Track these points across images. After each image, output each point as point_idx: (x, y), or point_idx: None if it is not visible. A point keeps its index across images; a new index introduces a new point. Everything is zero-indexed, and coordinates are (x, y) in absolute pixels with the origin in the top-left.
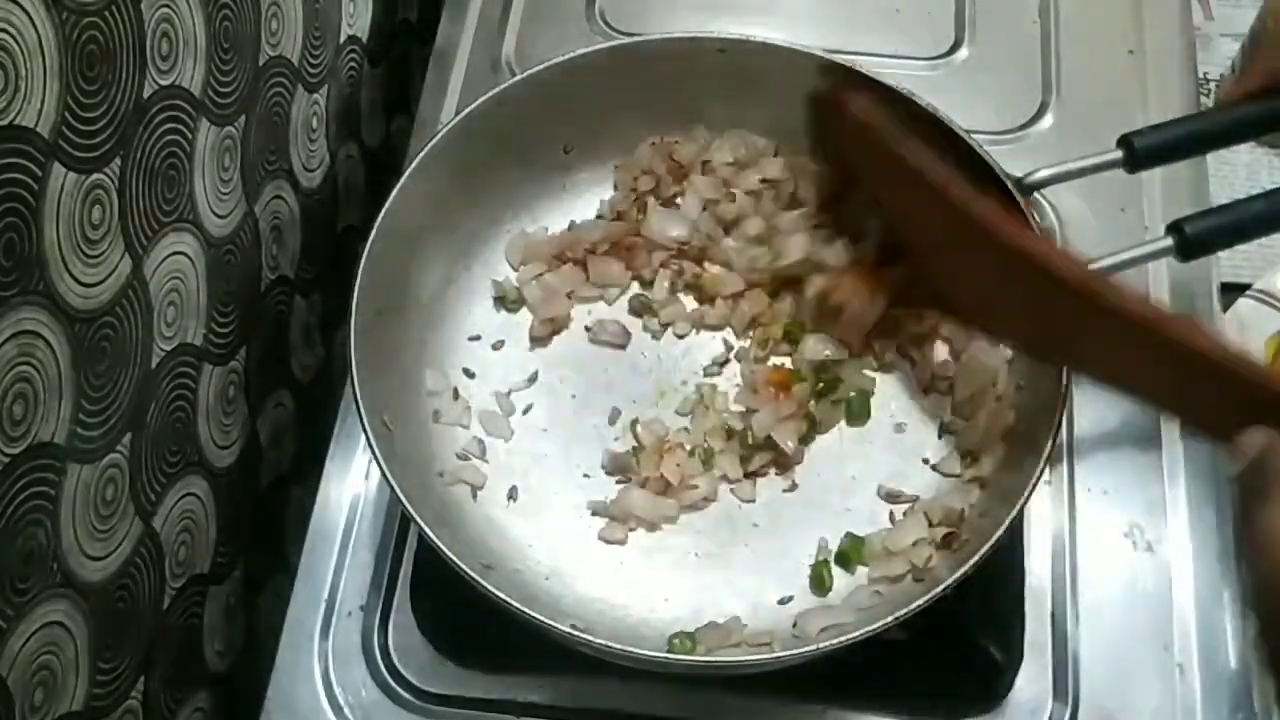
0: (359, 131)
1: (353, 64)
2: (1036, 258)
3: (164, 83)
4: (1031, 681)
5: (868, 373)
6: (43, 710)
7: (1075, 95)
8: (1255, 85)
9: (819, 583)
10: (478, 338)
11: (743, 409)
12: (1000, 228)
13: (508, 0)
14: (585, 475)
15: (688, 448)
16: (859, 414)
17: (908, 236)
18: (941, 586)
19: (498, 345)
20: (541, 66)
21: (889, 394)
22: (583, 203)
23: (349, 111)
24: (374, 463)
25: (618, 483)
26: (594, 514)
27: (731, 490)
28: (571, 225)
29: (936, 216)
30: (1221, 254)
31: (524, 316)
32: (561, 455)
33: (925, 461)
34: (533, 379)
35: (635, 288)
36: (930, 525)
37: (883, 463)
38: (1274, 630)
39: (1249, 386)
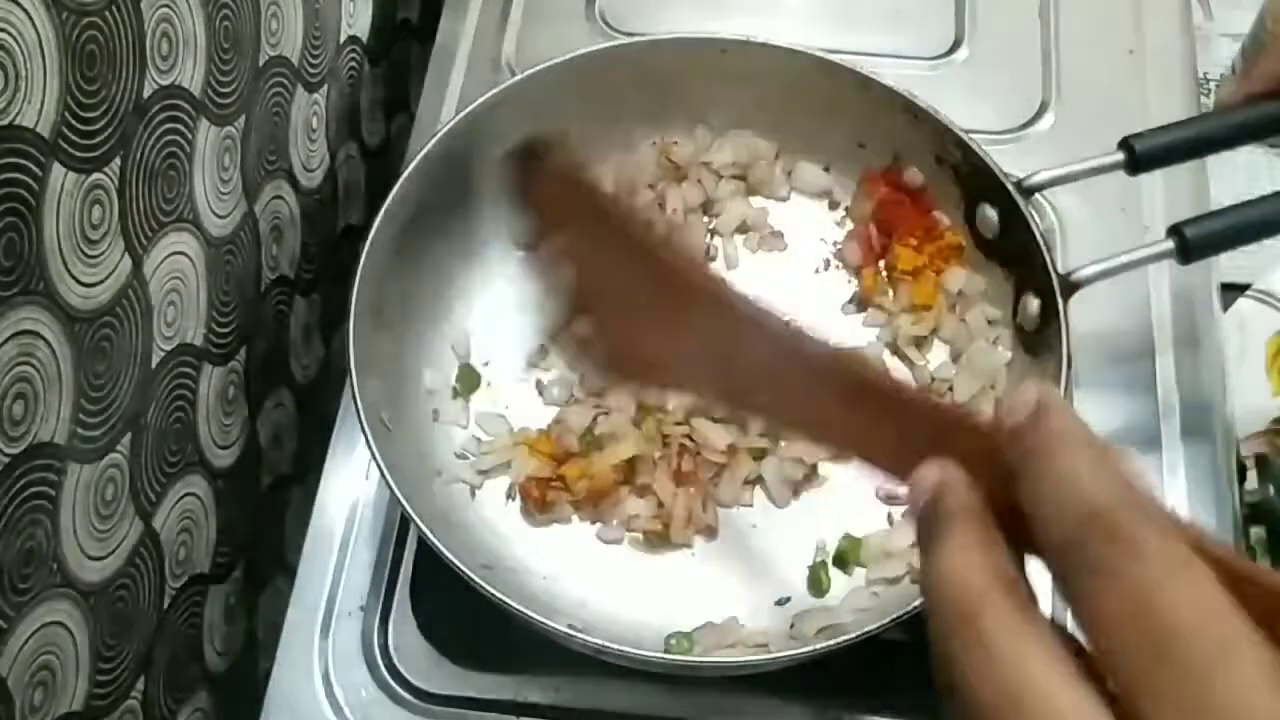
0: (359, 131)
1: (353, 64)
2: (720, 296)
3: (164, 82)
4: None
5: None
6: (42, 710)
7: (1075, 95)
8: (1256, 88)
9: (817, 584)
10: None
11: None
12: (696, 271)
13: (508, 0)
14: None
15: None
16: None
17: (598, 289)
18: None
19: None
20: (541, 66)
21: None
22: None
23: (349, 111)
24: (374, 462)
25: None
26: None
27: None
28: None
29: (633, 266)
30: (1221, 254)
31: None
32: None
33: None
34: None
35: None
36: None
37: None
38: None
39: (918, 416)
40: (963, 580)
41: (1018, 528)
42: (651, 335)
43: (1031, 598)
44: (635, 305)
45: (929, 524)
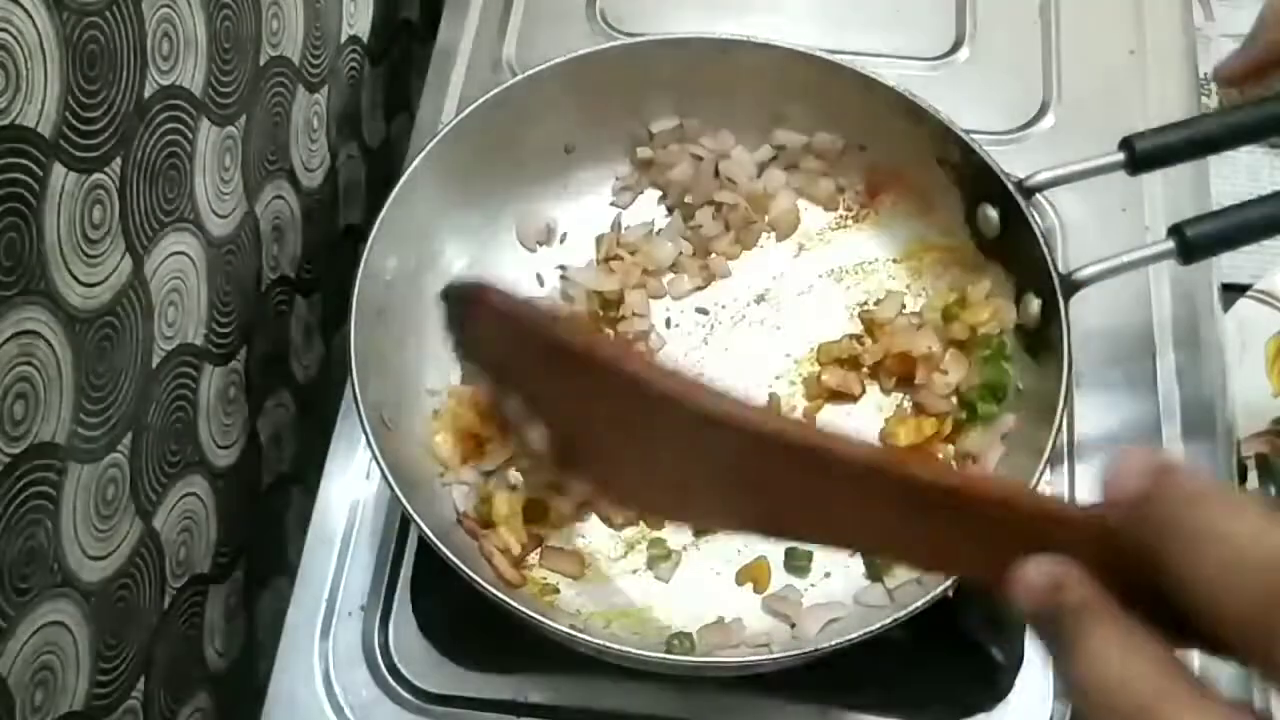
0: (360, 131)
1: (353, 64)
2: (732, 420)
3: (165, 82)
4: (1032, 681)
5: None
6: (43, 710)
7: (1076, 95)
8: (1260, 57)
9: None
10: None
11: None
12: (688, 394)
13: (508, 1)
14: None
15: None
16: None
17: (579, 433)
18: (940, 588)
19: None
20: (542, 66)
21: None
22: (583, 202)
23: (350, 111)
24: (374, 462)
25: None
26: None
27: None
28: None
29: (615, 401)
30: (1222, 254)
31: None
32: None
33: None
34: None
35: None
36: None
37: None
38: None
39: (1009, 514)
40: (1127, 684)
41: (1146, 609)
42: (656, 476)
43: (1200, 681)
44: (625, 447)
45: (1054, 627)
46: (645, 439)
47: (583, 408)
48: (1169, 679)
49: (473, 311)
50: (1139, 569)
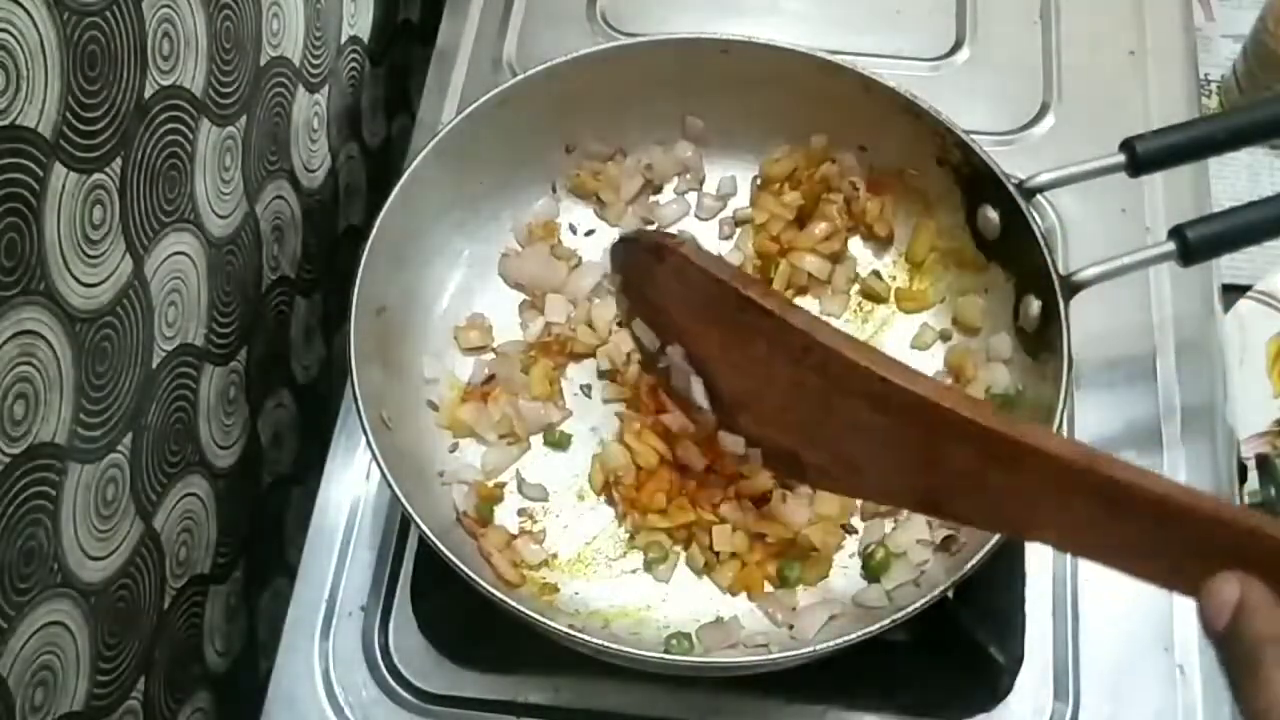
0: (360, 132)
1: (354, 64)
2: (932, 403)
3: (165, 83)
4: (1032, 682)
5: None
6: (43, 710)
7: (1076, 96)
8: None
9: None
10: None
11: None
12: (890, 372)
13: (509, 1)
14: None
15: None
16: None
17: (744, 389)
18: (938, 590)
19: None
20: (542, 66)
21: None
22: (583, 203)
23: (350, 112)
24: (374, 462)
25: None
26: (592, 510)
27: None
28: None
29: (785, 363)
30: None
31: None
32: (560, 454)
33: None
34: None
35: None
36: (930, 527)
37: None
38: None
39: (1202, 527)
40: None
41: None
42: (823, 443)
43: None
44: (798, 411)
45: (1237, 651)
46: (823, 406)
47: (757, 367)
48: None
49: (649, 261)
50: None
